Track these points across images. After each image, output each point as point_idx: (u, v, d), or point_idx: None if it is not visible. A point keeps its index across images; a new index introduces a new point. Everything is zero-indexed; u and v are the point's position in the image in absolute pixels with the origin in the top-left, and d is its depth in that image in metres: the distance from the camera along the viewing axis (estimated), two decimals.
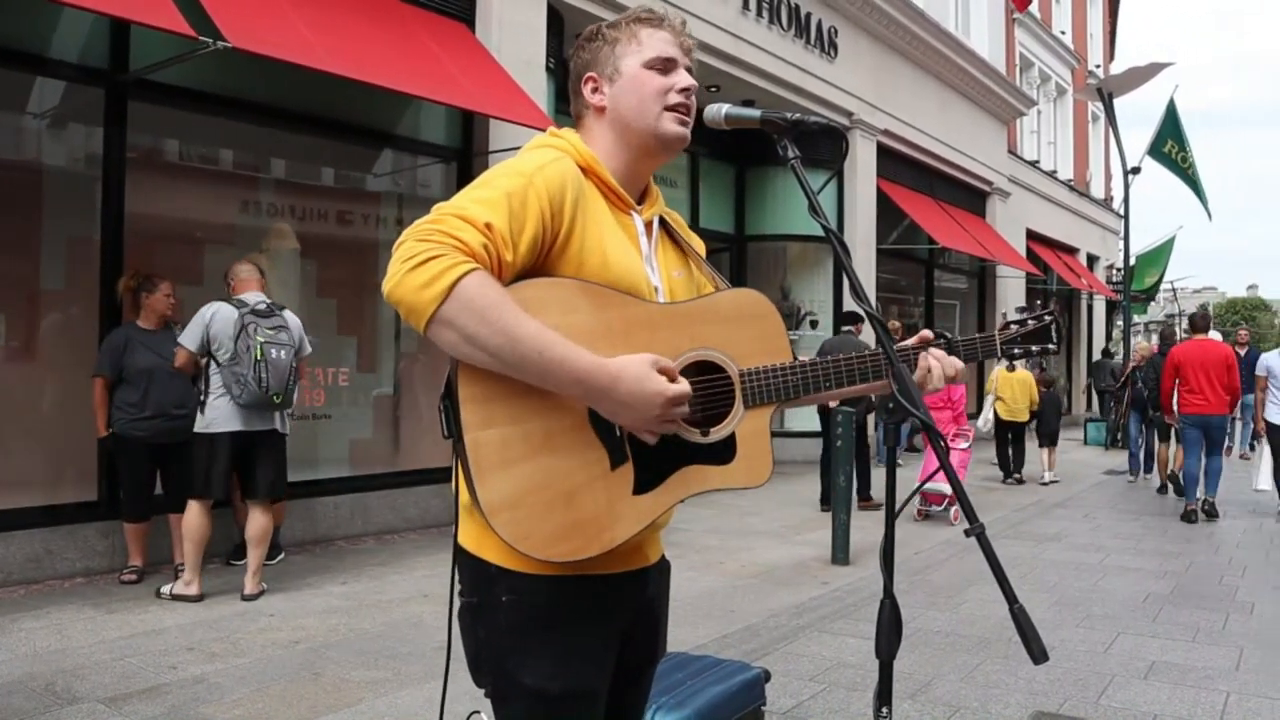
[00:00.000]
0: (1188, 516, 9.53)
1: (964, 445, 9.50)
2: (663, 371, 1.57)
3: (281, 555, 6.62)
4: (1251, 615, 5.93)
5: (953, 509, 9.25)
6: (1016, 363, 11.66)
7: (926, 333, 1.89)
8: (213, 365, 5.64)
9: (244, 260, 6.04)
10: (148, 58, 6.35)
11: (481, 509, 1.54)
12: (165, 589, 5.66)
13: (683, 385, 1.58)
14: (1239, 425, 15.41)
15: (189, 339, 5.63)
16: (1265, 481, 10.04)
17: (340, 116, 7.76)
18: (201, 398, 5.68)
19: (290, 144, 7.77)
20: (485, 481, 1.54)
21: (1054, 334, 1.97)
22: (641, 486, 1.62)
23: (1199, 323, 10.30)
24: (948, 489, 9.10)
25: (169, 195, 7.06)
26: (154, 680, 4.33)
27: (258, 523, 5.74)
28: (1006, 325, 1.98)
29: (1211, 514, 9.72)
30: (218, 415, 5.60)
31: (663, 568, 1.91)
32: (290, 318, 5.88)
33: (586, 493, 1.59)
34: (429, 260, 1.45)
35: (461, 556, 1.71)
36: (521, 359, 1.49)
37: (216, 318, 5.62)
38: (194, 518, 5.61)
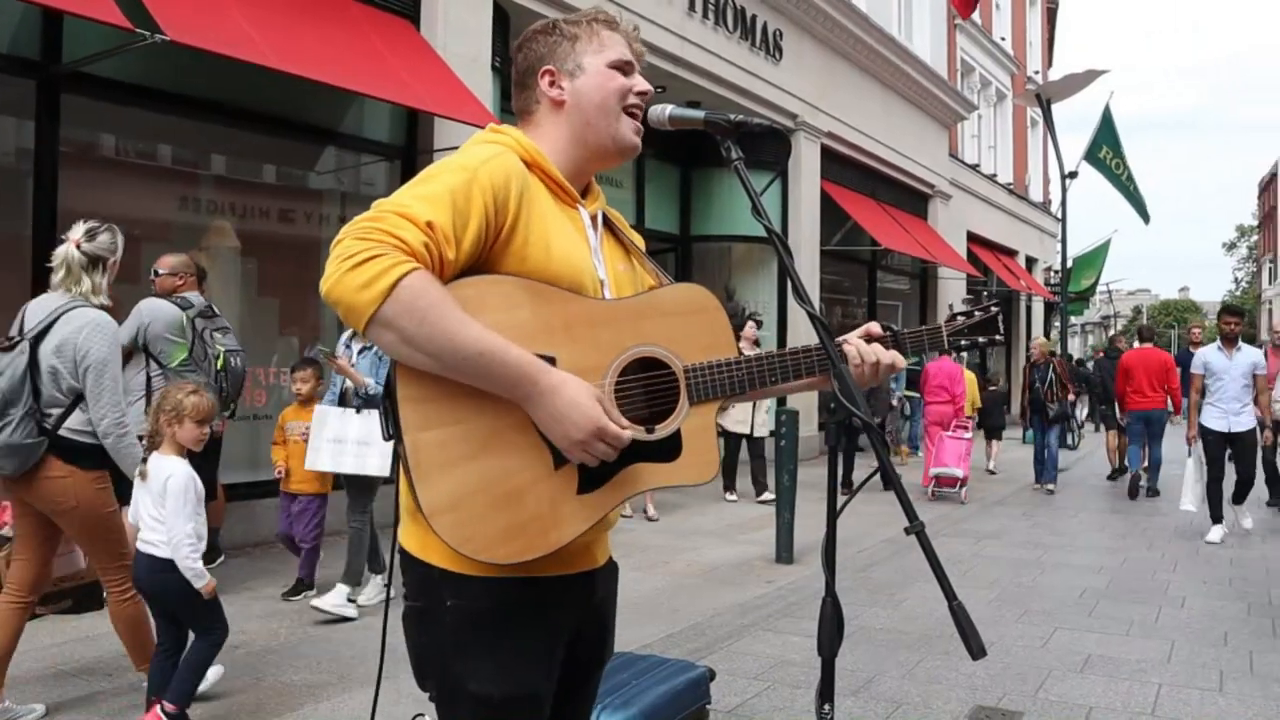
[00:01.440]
0: (1132, 491, 11.22)
1: (966, 435, 10.97)
2: (610, 417, 1.56)
3: (221, 558, 6.50)
4: (1183, 609, 6.09)
5: (963, 490, 10.65)
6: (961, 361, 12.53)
7: (872, 326, 1.91)
8: (153, 365, 5.46)
9: (176, 253, 5.77)
10: (81, 50, 6.21)
11: (423, 511, 1.52)
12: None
13: (624, 432, 1.57)
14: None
15: (122, 333, 5.46)
16: (1191, 501, 8.51)
17: (282, 113, 7.65)
18: (143, 396, 5.51)
19: (231, 140, 7.64)
20: (426, 483, 1.52)
21: (999, 325, 1.99)
22: (586, 486, 1.61)
23: (1145, 334, 12.26)
24: (960, 472, 10.70)
25: (104, 191, 6.91)
26: (89, 688, 4.24)
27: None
28: (953, 317, 2.00)
29: (1153, 492, 11.24)
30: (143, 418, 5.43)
31: (610, 569, 1.90)
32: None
33: (530, 493, 1.57)
34: (369, 260, 1.43)
35: (405, 560, 1.70)
36: (462, 361, 1.47)
37: (155, 318, 5.38)
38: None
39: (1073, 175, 20.46)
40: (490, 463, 1.55)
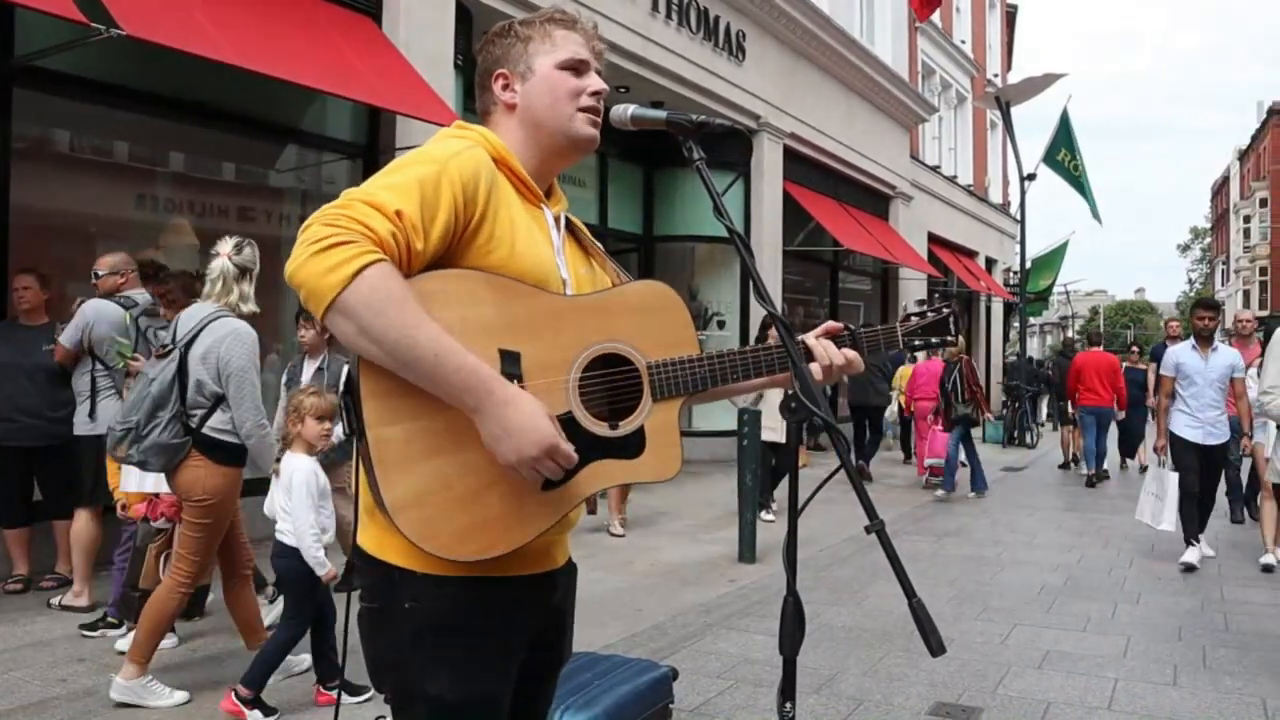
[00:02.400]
0: (1089, 481, 12.60)
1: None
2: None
3: None
4: (1138, 604, 6.18)
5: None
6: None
7: (832, 324, 1.92)
8: (98, 366, 5.40)
9: (116, 252, 5.67)
10: (35, 43, 6.10)
11: (386, 508, 1.51)
12: (55, 599, 5.44)
13: (571, 453, 1.55)
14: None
15: (66, 336, 5.39)
16: (1169, 519, 7.34)
17: (242, 110, 7.57)
18: (89, 399, 5.43)
19: (189, 137, 7.55)
20: (389, 480, 1.51)
21: (952, 326, 2.02)
22: (549, 482, 1.60)
23: (1094, 338, 14.11)
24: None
25: (60, 187, 6.80)
26: (41, 694, 4.16)
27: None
28: (907, 318, 2.03)
29: (1103, 476, 12.90)
30: (105, 416, 5.35)
31: (570, 570, 1.89)
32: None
33: (494, 490, 1.56)
34: (335, 245, 1.42)
35: (362, 560, 1.68)
36: (415, 359, 1.46)
37: (99, 319, 5.33)
38: (82, 525, 5.38)
39: (1031, 177, 20.74)
40: (454, 459, 1.54)
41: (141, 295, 5.52)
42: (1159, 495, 7.44)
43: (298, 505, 3.95)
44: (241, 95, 7.36)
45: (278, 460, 4.18)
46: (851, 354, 1.88)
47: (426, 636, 1.62)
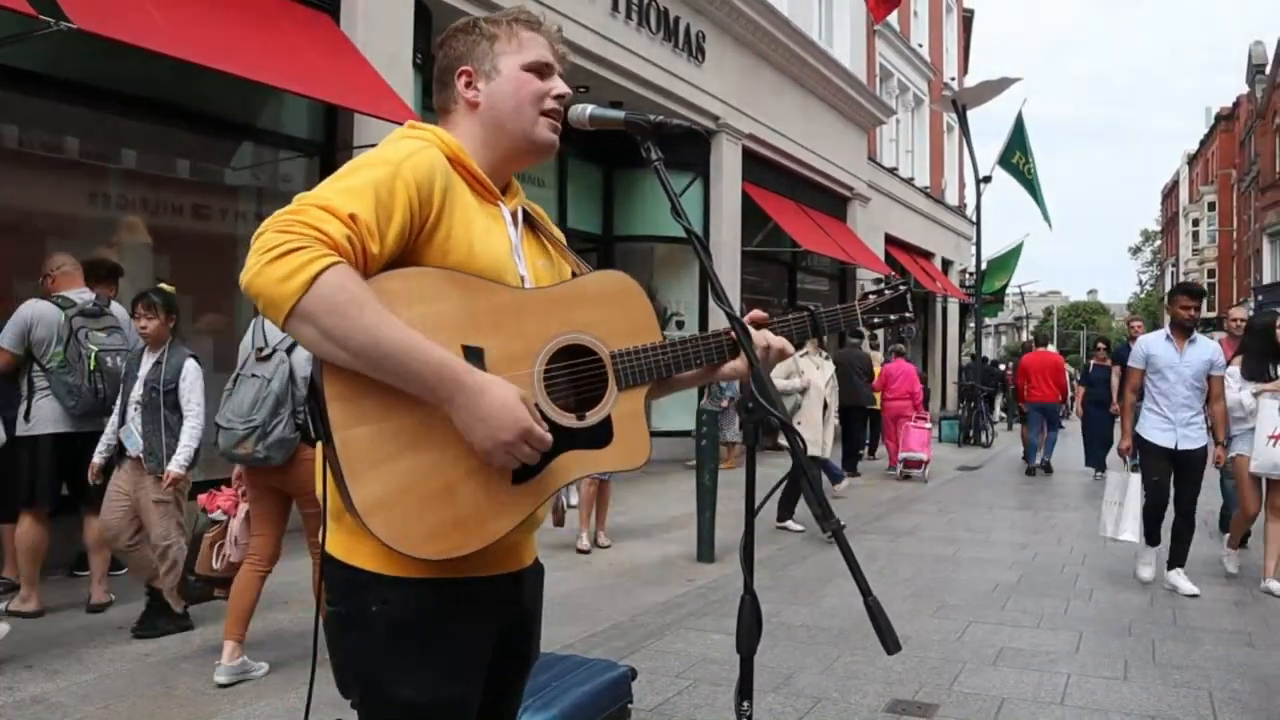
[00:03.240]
0: (1031, 472, 13.68)
1: (927, 425, 13.31)
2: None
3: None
4: (1090, 601, 6.28)
5: (925, 470, 12.93)
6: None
7: (756, 312, 1.91)
8: (35, 367, 5.30)
9: (61, 251, 5.60)
10: None
11: (356, 510, 1.50)
12: (0, 605, 5.33)
13: (546, 434, 1.56)
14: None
15: (6, 339, 5.29)
16: (1129, 529, 6.66)
17: (197, 106, 7.47)
18: (26, 400, 5.33)
19: (143, 133, 7.43)
20: (358, 482, 1.50)
21: (908, 303, 2.04)
22: (520, 476, 1.60)
23: (1040, 340, 15.28)
24: (924, 455, 12.97)
25: (8, 184, 6.67)
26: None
27: (95, 528, 5.40)
28: (865, 296, 2.05)
29: (1048, 470, 13.72)
30: (41, 417, 5.28)
31: (537, 570, 1.89)
32: (120, 313, 5.56)
33: (464, 486, 1.56)
34: (290, 252, 1.41)
35: (330, 565, 1.66)
36: (383, 358, 1.45)
37: (39, 321, 5.25)
38: (25, 529, 5.28)
39: (987, 180, 21.01)
40: (423, 458, 1.54)
41: (82, 295, 5.42)
42: (1120, 501, 6.74)
43: None
44: (196, 91, 7.26)
45: None
46: (782, 341, 1.88)
47: (395, 640, 1.61)
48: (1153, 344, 6.68)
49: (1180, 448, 6.44)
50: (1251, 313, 9.14)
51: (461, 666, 1.66)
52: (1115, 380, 12.31)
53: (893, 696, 4.38)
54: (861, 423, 13.56)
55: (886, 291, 2.04)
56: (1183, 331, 6.54)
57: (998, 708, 4.27)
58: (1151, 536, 6.74)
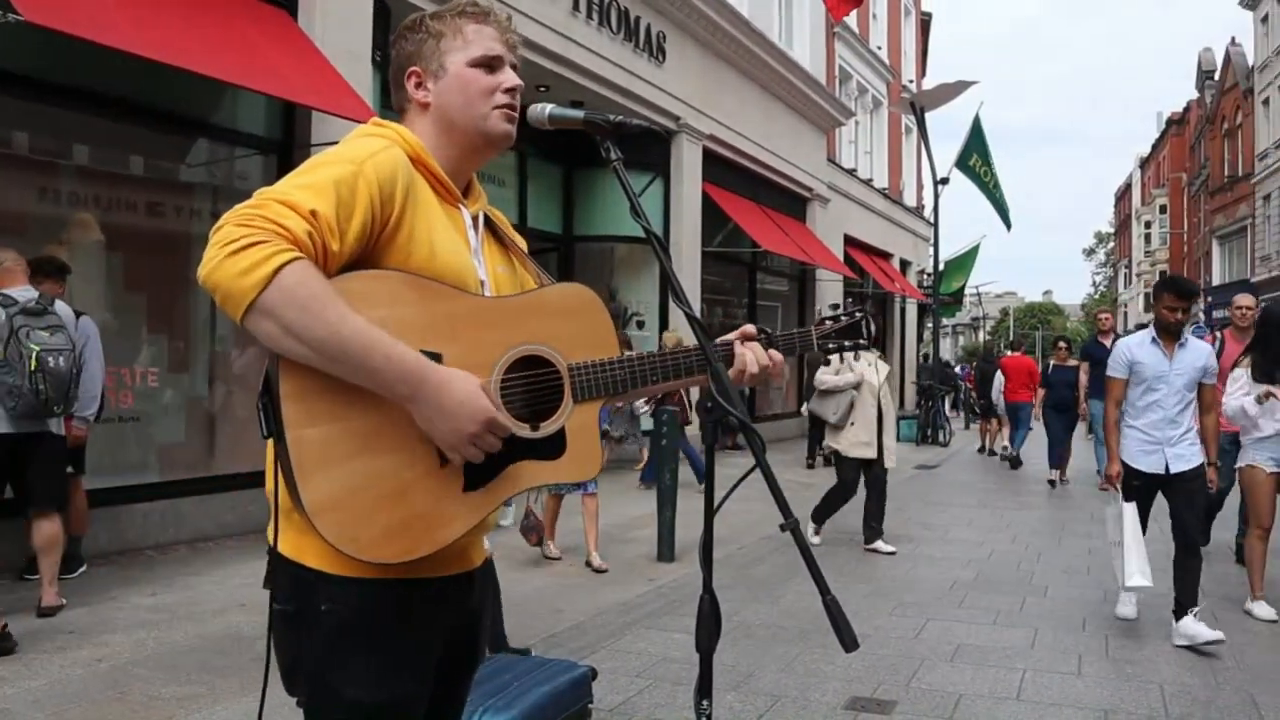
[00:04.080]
0: (1012, 463, 14.60)
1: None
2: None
3: (83, 568, 6.21)
4: (1045, 597, 6.37)
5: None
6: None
7: (749, 327, 1.94)
8: None
9: (4, 248, 5.45)
10: None
11: (305, 510, 1.49)
12: None
13: (509, 423, 1.57)
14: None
15: None
16: (1138, 572, 5.43)
17: (151, 102, 7.35)
18: None
19: (95, 129, 7.30)
20: (308, 481, 1.49)
21: (864, 330, 2.06)
22: (471, 484, 1.60)
23: (1016, 344, 16.80)
24: None
25: None
26: None
27: (43, 530, 5.29)
28: (821, 321, 2.06)
29: (1016, 463, 14.53)
30: None
31: (486, 570, 1.89)
32: (64, 312, 5.45)
33: (415, 491, 1.56)
34: (250, 246, 1.40)
35: (279, 563, 1.65)
36: (344, 354, 1.44)
37: None
38: None
39: (944, 181, 21.24)
40: (375, 460, 1.53)
41: (24, 293, 5.31)
42: (1119, 540, 5.64)
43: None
44: (150, 87, 7.15)
45: None
46: (778, 356, 1.90)
47: (344, 639, 1.60)
48: (1137, 349, 5.59)
49: (1172, 470, 5.44)
50: (1264, 303, 7.68)
51: (410, 666, 1.66)
52: (1084, 378, 11.84)
53: (852, 694, 4.41)
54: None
55: (843, 318, 2.05)
56: (1170, 335, 5.54)
57: (955, 704, 4.32)
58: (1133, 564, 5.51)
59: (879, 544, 7.88)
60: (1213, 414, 5.69)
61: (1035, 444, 15.27)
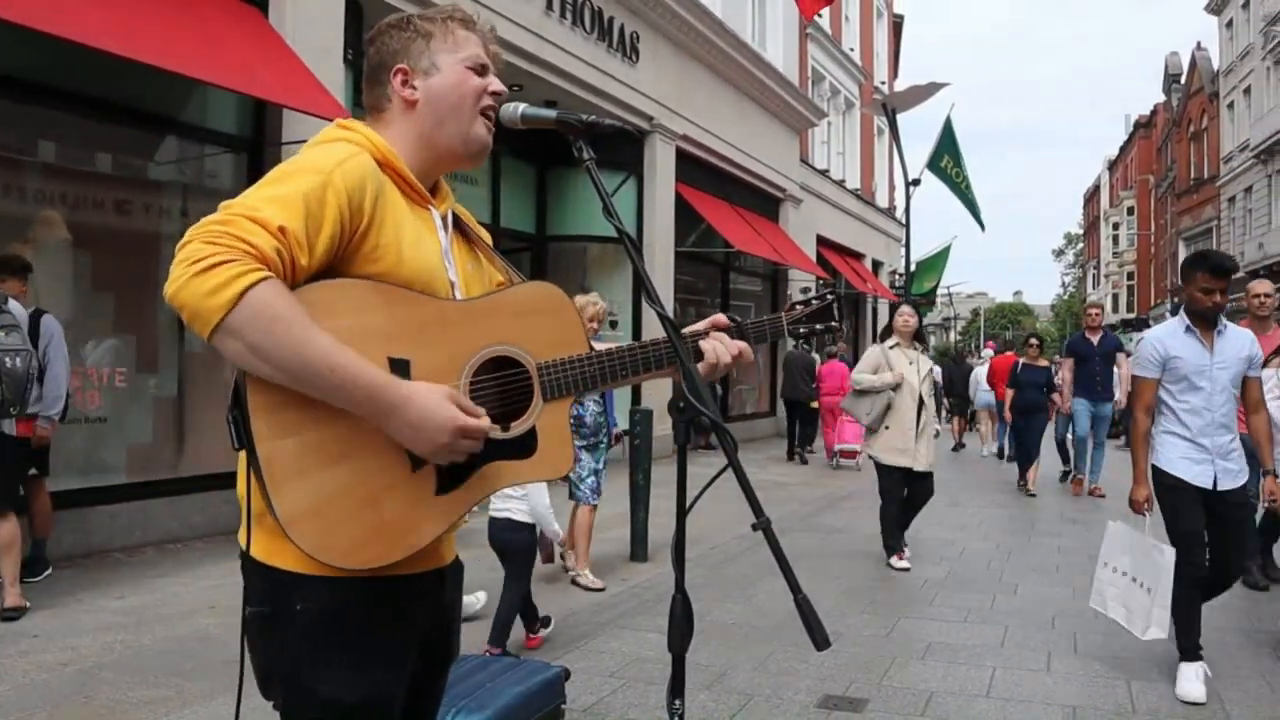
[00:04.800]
0: (1000, 454, 15.69)
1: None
2: (463, 409, 1.55)
3: (48, 571, 6.13)
4: (1015, 595, 6.43)
5: (858, 460, 13.59)
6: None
7: (719, 316, 1.94)
8: None
9: None
10: None
11: (279, 520, 1.49)
12: None
13: (481, 421, 1.56)
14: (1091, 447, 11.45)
15: None
16: (1158, 621, 4.51)
17: (119, 99, 7.27)
18: None
19: (61, 126, 7.20)
20: (281, 492, 1.49)
21: (835, 312, 2.07)
22: (444, 487, 1.61)
23: (1002, 346, 16.82)
24: (858, 447, 13.44)
25: None
26: None
27: (5, 530, 5.24)
28: (792, 306, 2.06)
29: (1001, 456, 15.45)
30: None
31: (457, 568, 1.90)
32: (18, 311, 5.36)
33: (388, 497, 1.56)
34: (217, 265, 1.39)
35: (251, 565, 1.64)
36: (311, 375, 1.45)
37: None
38: None
39: (916, 182, 21.36)
40: (347, 468, 1.53)
41: None
42: (1143, 581, 4.60)
43: (535, 490, 4.87)
44: (119, 83, 7.08)
45: None
46: (743, 345, 1.90)
47: (318, 638, 1.60)
48: (1170, 340, 4.66)
49: (1220, 486, 4.51)
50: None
51: (385, 664, 1.66)
52: (1068, 374, 11.33)
53: (824, 692, 4.43)
54: (808, 418, 15.12)
55: (814, 301, 2.05)
56: (1207, 321, 4.64)
57: (926, 701, 4.35)
58: (1187, 636, 4.51)
59: (893, 560, 7.30)
60: (1262, 412, 4.79)
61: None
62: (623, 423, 7.83)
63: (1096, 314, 11.80)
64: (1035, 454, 11.84)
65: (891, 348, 7.41)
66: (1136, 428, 4.73)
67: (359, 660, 1.62)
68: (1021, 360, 12.41)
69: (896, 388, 7.20)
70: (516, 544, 4.92)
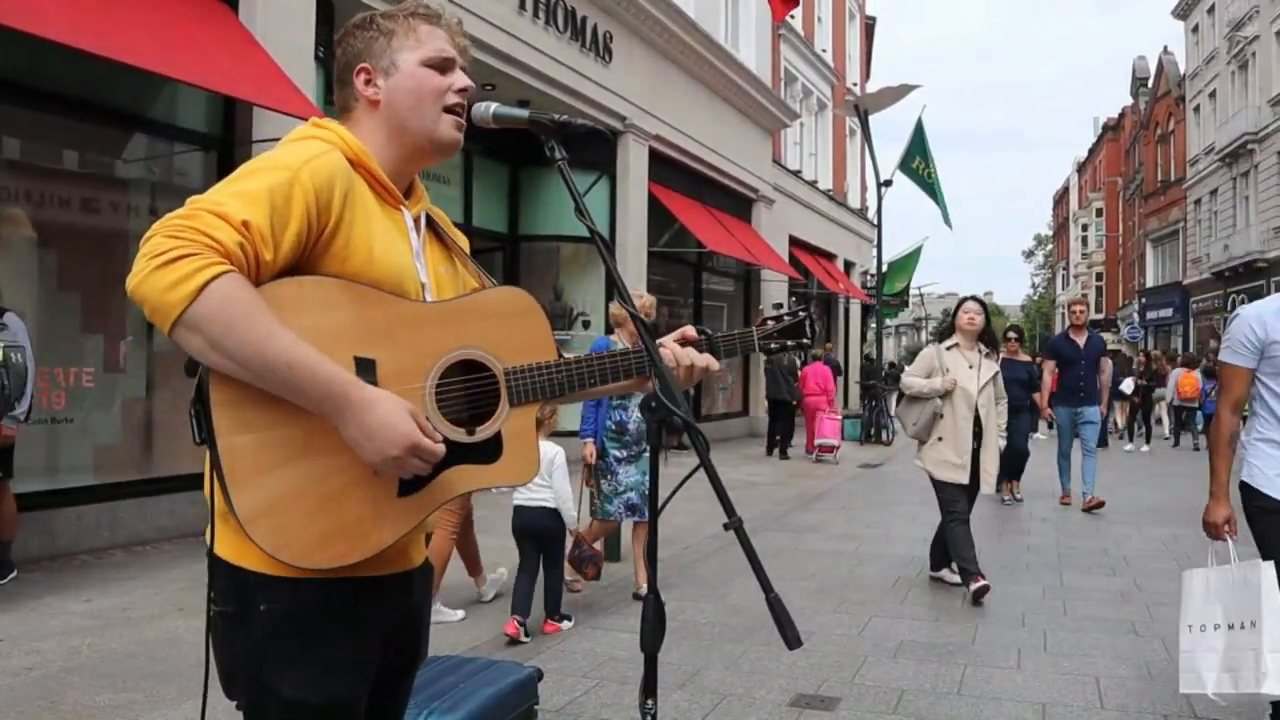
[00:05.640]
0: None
1: (838, 416, 15.70)
2: (422, 429, 1.53)
3: (13, 574, 6.04)
4: (986, 593, 6.45)
5: (836, 454, 15.01)
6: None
7: (688, 329, 1.94)
8: None
9: None
10: None
11: (238, 518, 1.48)
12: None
13: (437, 446, 1.54)
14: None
15: None
16: (1274, 671, 3.23)
17: (87, 96, 7.18)
18: None
19: (26, 122, 7.11)
20: (241, 489, 1.48)
21: (808, 329, 2.07)
22: (406, 488, 1.60)
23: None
24: (835, 442, 15.12)
25: None
26: None
27: None
28: (764, 321, 2.06)
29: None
30: None
31: (426, 570, 1.88)
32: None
33: (350, 496, 1.55)
34: (179, 259, 1.38)
35: (217, 565, 1.63)
36: (269, 372, 1.43)
37: None
38: None
39: (888, 183, 21.47)
40: (309, 466, 1.52)
41: None
42: (1242, 621, 3.43)
43: (561, 481, 5.27)
44: (86, 80, 7.00)
45: None
46: (709, 358, 1.90)
47: (283, 639, 1.58)
48: (1273, 321, 3.45)
49: None
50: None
51: (350, 665, 1.65)
52: (1049, 378, 10.76)
53: (796, 691, 4.45)
54: (787, 417, 15.70)
55: (786, 317, 2.06)
56: None
57: (898, 699, 4.37)
58: None
59: (945, 572, 6.72)
60: None
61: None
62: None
63: (1081, 312, 10.58)
64: (1025, 454, 10.60)
65: (949, 348, 6.59)
66: (1219, 430, 3.61)
67: (323, 661, 1.60)
68: (1000, 355, 10.79)
69: (946, 395, 6.36)
70: (554, 530, 5.33)
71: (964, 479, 6.35)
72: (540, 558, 5.33)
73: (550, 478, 5.22)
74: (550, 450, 5.26)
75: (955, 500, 6.39)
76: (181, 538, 7.40)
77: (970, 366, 6.46)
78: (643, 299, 6.06)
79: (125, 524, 7.18)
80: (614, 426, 6.05)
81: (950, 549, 6.44)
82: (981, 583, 6.10)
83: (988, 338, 6.73)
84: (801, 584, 6.64)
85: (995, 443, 6.52)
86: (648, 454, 5.64)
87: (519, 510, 5.32)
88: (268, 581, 1.57)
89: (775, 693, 4.42)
